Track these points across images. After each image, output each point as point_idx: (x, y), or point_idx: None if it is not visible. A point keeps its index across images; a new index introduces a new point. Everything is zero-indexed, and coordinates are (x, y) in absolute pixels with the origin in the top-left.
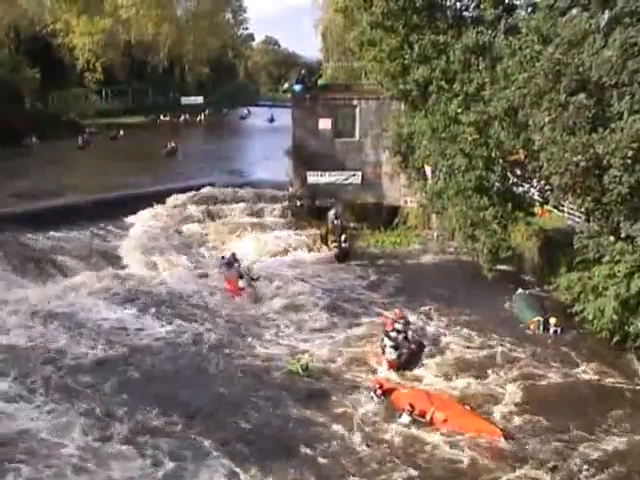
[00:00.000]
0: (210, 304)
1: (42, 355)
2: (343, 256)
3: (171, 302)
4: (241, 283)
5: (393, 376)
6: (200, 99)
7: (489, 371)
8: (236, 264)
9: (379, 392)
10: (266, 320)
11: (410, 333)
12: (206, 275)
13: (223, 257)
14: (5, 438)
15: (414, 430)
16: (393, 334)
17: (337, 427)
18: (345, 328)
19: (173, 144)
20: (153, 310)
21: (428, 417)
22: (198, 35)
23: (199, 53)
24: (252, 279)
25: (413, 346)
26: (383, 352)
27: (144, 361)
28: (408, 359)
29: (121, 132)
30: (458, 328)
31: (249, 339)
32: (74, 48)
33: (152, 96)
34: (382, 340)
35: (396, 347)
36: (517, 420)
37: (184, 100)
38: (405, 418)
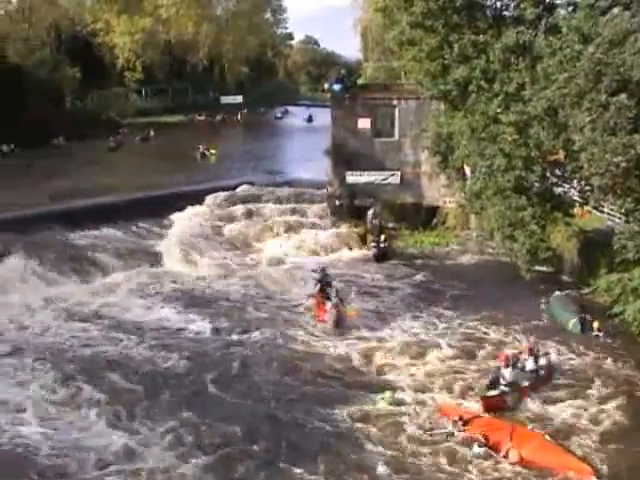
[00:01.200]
0: (251, 302)
1: (80, 354)
2: (382, 256)
3: (210, 300)
4: (328, 305)
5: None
6: (239, 98)
7: (558, 391)
8: (327, 280)
9: (460, 424)
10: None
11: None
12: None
13: (314, 270)
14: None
15: (489, 464)
16: (507, 372)
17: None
18: (397, 331)
19: (204, 149)
20: (193, 309)
21: (504, 450)
22: (237, 34)
23: (238, 52)
24: (340, 300)
25: (526, 383)
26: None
27: (181, 360)
28: (513, 399)
29: (151, 133)
30: (502, 332)
31: (291, 337)
32: (114, 47)
33: (191, 95)
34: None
35: (494, 384)
36: (607, 452)
37: (223, 99)
38: (477, 449)
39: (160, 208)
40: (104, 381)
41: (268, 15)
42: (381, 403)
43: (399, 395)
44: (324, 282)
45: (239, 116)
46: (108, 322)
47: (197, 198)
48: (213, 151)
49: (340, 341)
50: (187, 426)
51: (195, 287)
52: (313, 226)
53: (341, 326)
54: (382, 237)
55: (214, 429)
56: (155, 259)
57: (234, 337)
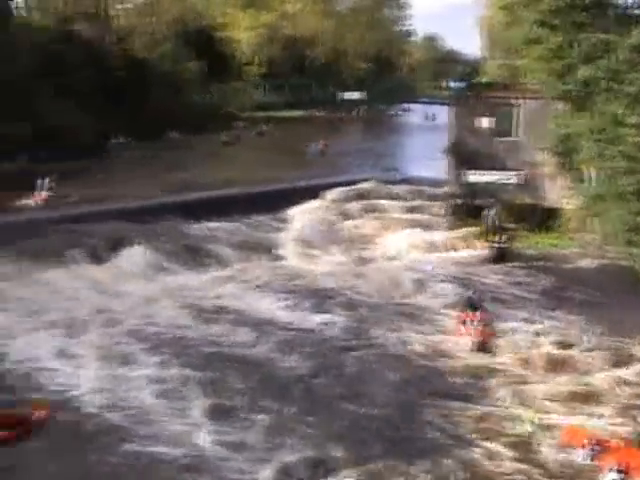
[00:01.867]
0: (367, 299)
1: (195, 344)
2: (499, 257)
3: (327, 296)
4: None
5: None
6: (360, 94)
7: None
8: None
9: (597, 449)
10: (429, 314)
11: None
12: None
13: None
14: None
15: None
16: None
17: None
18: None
19: (319, 145)
20: (308, 303)
21: None
22: (359, 30)
23: (359, 48)
24: (486, 325)
25: None
26: None
27: (295, 355)
28: None
29: (265, 127)
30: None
31: (412, 338)
32: (237, 42)
33: (312, 90)
34: None
35: None
36: None
37: (344, 95)
38: (612, 476)
39: (277, 202)
40: (216, 372)
41: (390, 11)
42: (524, 426)
43: (539, 414)
44: (473, 305)
45: (358, 112)
46: (223, 314)
47: (315, 193)
48: (326, 150)
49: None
50: (300, 422)
51: (311, 282)
52: (431, 224)
53: (486, 350)
54: (501, 238)
55: (327, 427)
56: (272, 253)
57: (350, 334)
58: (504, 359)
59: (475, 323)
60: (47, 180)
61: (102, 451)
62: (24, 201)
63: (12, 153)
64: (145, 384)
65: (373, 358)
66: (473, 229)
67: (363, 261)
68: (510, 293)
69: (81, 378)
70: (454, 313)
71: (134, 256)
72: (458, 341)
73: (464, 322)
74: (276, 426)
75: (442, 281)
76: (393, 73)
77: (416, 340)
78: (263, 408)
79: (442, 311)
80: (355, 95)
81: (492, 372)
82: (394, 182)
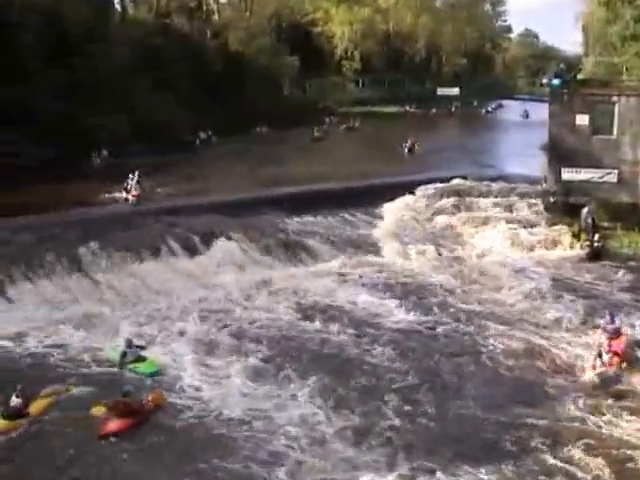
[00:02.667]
0: (462, 296)
1: (289, 336)
2: (594, 256)
3: (421, 292)
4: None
5: None
6: (456, 90)
7: None
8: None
9: None
10: (526, 314)
11: None
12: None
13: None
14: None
15: None
16: None
17: None
18: None
19: (409, 142)
20: (403, 299)
21: None
22: (456, 26)
23: (456, 44)
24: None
25: None
26: None
27: (388, 350)
28: None
29: (356, 123)
30: None
31: (509, 336)
32: (333, 37)
33: (408, 86)
34: None
35: None
36: None
37: (440, 91)
38: None
39: (371, 198)
40: (308, 364)
41: (487, 7)
42: None
43: None
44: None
45: (452, 109)
46: (317, 308)
47: (408, 189)
48: (418, 148)
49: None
50: (388, 418)
51: (405, 278)
52: (525, 222)
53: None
54: (596, 236)
55: (410, 424)
56: (366, 248)
57: (442, 331)
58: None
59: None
60: (136, 174)
61: (207, 434)
62: (116, 194)
63: (110, 146)
64: (241, 376)
65: (457, 351)
66: (569, 227)
67: (456, 258)
68: (604, 291)
69: (179, 369)
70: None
71: (228, 249)
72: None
73: (600, 354)
74: (394, 431)
75: (537, 280)
76: (489, 69)
77: (506, 334)
78: (373, 411)
79: (547, 316)
80: (451, 91)
81: None
82: (489, 179)
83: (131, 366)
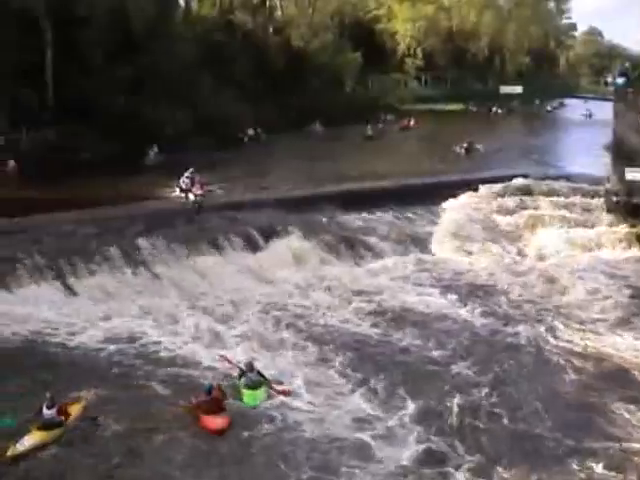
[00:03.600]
0: (522, 296)
1: (345, 332)
2: None
3: (483, 291)
4: None
5: None
6: (519, 89)
7: None
8: None
9: None
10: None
11: None
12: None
13: None
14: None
15: None
16: None
17: None
18: None
19: (466, 143)
20: (463, 298)
21: None
22: (520, 24)
23: (520, 42)
24: None
25: None
26: None
27: (454, 354)
28: None
29: (411, 122)
30: None
31: (571, 340)
32: (395, 34)
33: (470, 84)
34: None
35: None
36: None
37: (502, 89)
38: None
39: (431, 195)
40: (364, 362)
41: (552, 5)
42: None
43: None
44: None
45: (513, 107)
46: (377, 305)
47: (469, 187)
48: (476, 149)
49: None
50: (447, 418)
51: (466, 277)
52: (587, 222)
53: None
54: None
55: (471, 422)
56: (426, 246)
57: (507, 331)
58: None
59: None
60: (190, 171)
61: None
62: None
63: (175, 142)
64: (299, 372)
65: (516, 354)
66: (631, 228)
67: (517, 257)
68: None
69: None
70: None
71: (289, 245)
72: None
73: None
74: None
75: (599, 280)
76: (552, 68)
77: (568, 339)
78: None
79: (611, 317)
80: (514, 89)
81: None
82: (551, 178)
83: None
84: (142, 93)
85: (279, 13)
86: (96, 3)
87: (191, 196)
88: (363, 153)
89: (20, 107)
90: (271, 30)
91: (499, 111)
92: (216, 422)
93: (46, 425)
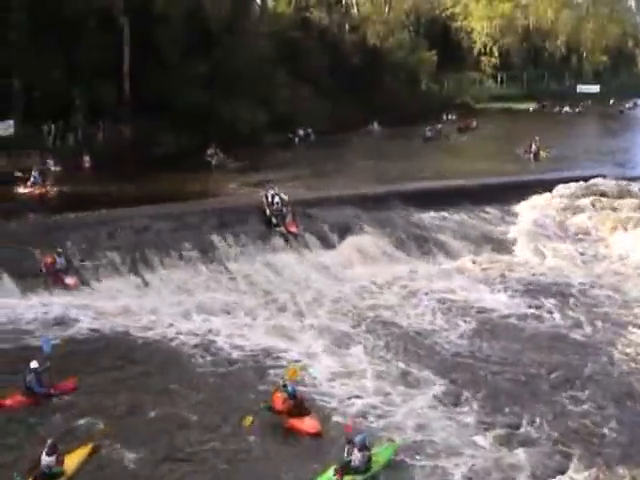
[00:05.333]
0: (604, 300)
1: (418, 331)
2: None
3: (560, 295)
4: None
5: None
6: (596, 88)
7: None
8: None
9: None
10: None
11: None
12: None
13: None
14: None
15: None
16: None
17: None
18: None
19: (534, 147)
20: (538, 299)
21: None
22: (598, 22)
23: (598, 41)
24: None
25: None
26: None
27: (534, 358)
28: None
29: (474, 123)
30: None
31: None
32: (472, 32)
33: (547, 83)
34: None
35: None
36: None
37: (579, 88)
38: None
39: (506, 195)
40: (439, 362)
41: (630, 3)
42: None
43: None
44: None
45: (586, 106)
46: (449, 304)
47: (544, 188)
48: (544, 153)
49: None
50: (522, 416)
51: (541, 278)
52: None
53: None
54: None
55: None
56: (501, 246)
57: (581, 335)
58: None
59: None
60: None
61: None
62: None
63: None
64: (369, 368)
65: (596, 357)
66: None
67: (594, 259)
68: None
69: (312, 361)
70: None
71: (362, 243)
72: None
73: None
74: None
75: None
76: (630, 67)
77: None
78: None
79: None
80: (590, 89)
81: None
82: (629, 179)
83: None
84: (217, 90)
85: (355, 11)
86: (173, 1)
87: (282, 229)
88: (420, 157)
89: (98, 103)
90: (347, 28)
91: (570, 111)
92: (313, 424)
93: (42, 476)
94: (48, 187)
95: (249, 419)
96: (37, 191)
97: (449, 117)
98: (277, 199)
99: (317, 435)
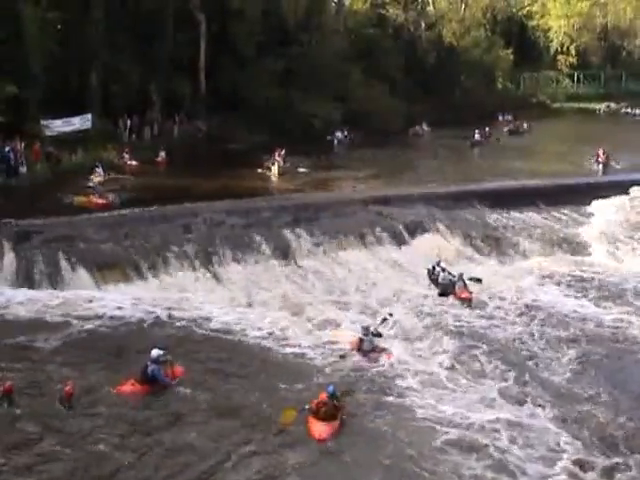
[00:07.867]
0: None
1: (489, 336)
2: None
3: (632, 297)
4: None
5: None
6: None
7: None
8: None
9: None
10: None
11: None
12: None
13: None
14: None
15: None
16: None
17: None
18: None
19: (602, 157)
20: (613, 304)
21: None
22: None
23: None
24: None
25: None
26: None
27: (587, 356)
28: None
29: (525, 125)
30: None
31: None
32: (549, 30)
33: (625, 82)
34: None
35: None
36: None
37: None
38: None
39: (581, 196)
40: (507, 361)
41: None
42: None
43: None
44: None
45: None
46: (519, 305)
47: (620, 189)
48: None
49: None
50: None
51: (616, 281)
52: None
53: None
54: None
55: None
56: (575, 247)
57: None
58: None
59: None
60: None
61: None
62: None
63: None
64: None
65: None
66: None
67: None
68: None
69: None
70: None
71: (434, 241)
72: None
73: None
74: None
75: None
76: None
77: None
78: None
79: None
80: None
81: None
82: None
83: None
84: (292, 85)
85: (430, 8)
86: None
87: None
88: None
89: (173, 98)
90: (423, 25)
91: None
92: (327, 430)
93: None
94: (111, 197)
95: (292, 413)
96: (100, 201)
97: (505, 117)
98: (444, 274)
99: (320, 442)
